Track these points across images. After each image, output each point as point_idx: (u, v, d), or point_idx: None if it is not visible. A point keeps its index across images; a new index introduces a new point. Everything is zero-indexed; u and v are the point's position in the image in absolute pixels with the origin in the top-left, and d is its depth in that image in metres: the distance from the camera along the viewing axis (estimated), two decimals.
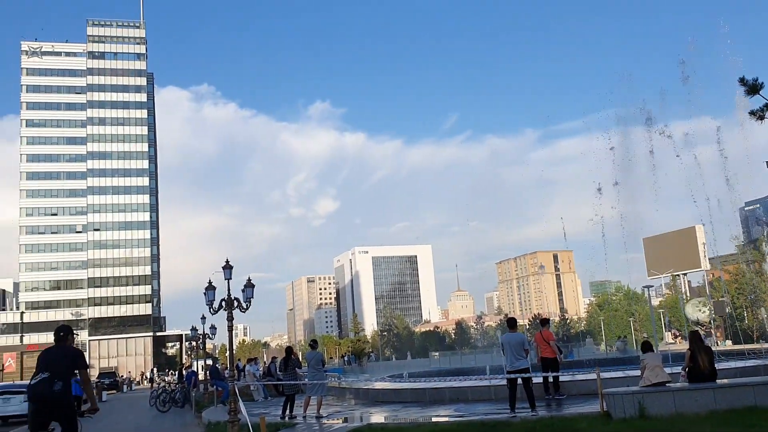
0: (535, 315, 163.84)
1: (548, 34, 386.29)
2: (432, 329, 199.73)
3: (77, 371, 9.08)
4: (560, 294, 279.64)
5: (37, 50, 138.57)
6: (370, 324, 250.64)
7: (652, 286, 72.34)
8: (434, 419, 15.50)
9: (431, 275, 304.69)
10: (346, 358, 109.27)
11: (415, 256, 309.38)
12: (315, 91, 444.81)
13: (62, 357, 8.84)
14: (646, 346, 14.26)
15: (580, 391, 17.86)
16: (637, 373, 14.21)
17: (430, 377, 27.30)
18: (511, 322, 15.93)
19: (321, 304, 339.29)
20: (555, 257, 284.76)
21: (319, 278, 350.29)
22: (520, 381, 14.82)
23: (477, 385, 19.85)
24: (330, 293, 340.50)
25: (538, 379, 16.83)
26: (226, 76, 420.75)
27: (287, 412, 18.95)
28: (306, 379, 19.03)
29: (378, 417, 17.41)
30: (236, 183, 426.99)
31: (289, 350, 20.83)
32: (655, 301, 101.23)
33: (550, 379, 17.62)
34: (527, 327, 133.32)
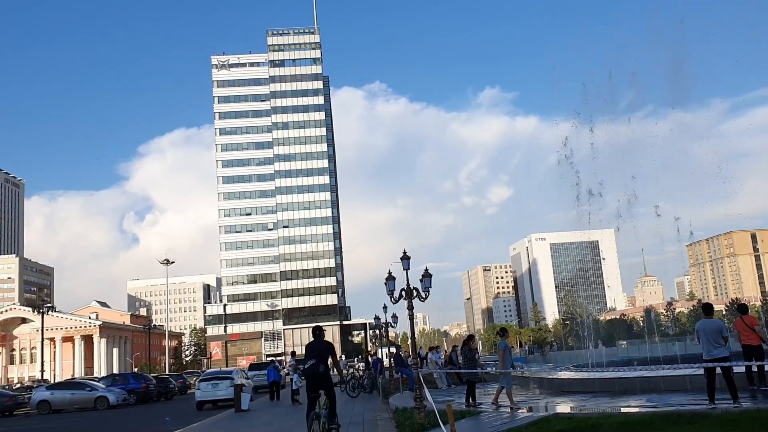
0: (731, 300, 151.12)
1: None
2: (618, 317, 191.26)
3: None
4: (761, 276, 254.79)
5: (225, 63, 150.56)
6: (551, 313, 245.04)
7: None
8: (624, 410, 14.91)
9: (615, 261, 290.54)
10: (527, 348, 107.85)
11: (597, 242, 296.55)
12: (483, 78, 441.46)
13: (323, 348, 13.05)
14: None
15: None
16: None
17: (618, 367, 26.21)
18: (707, 308, 14.86)
19: (498, 292, 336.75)
20: (753, 236, 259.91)
21: (495, 267, 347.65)
22: (719, 370, 13.81)
23: (670, 375, 18.76)
24: (507, 282, 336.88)
25: (739, 369, 15.56)
26: (396, 72, 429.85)
27: (470, 400, 19.08)
28: (482, 368, 18.98)
29: (564, 407, 17.06)
30: (409, 175, 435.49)
31: (469, 339, 20.88)
32: None
33: (754, 369, 16.21)
34: (723, 313, 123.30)
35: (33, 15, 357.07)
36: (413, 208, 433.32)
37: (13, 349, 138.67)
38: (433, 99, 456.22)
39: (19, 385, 70.96)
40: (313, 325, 15.52)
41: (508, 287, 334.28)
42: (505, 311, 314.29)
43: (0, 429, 29.32)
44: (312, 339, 13.38)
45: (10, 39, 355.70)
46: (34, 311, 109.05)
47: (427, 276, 19.57)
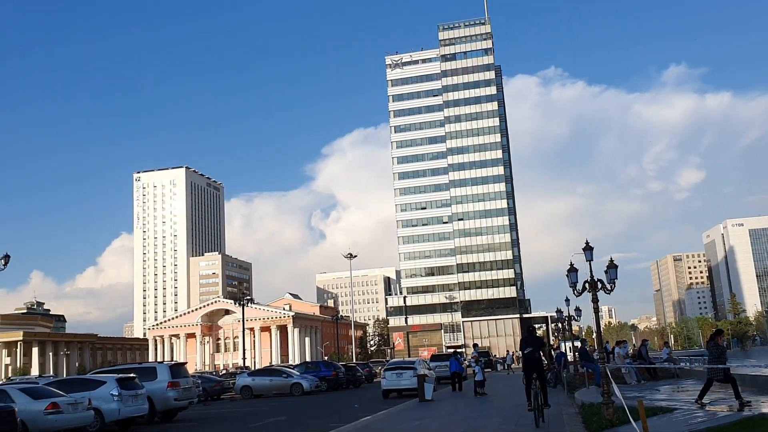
0: None
1: None
2: None
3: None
4: None
5: (398, 62, 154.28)
6: (751, 304, 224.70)
7: None
8: None
9: None
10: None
11: None
12: (667, 55, 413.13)
13: (535, 341, 17.14)
14: None
15: None
16: None
17: None
18: None
19: (691, 283, 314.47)
20: None
21: (687, 256, 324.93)
22: None
23: None
24: (701, 272, 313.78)
25: None
26: (572, 55, 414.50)
27: (701, 398, 17.67)
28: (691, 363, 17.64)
29: None
30: (589, 161, 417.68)
31: (717, 333, 18.91)
32: None
33: None
34: None
35: (229, 34, 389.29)
36: (594, 196, 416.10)
37: (219, 339, 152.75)
38: (612, 80, 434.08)
39: (224, 372, 77.91)
40: (526, 317, 19.64)
41: (701, 277, 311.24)
42: (699, 303, 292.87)
43: (213, 411, 32.39)
44: (526, 335, 17.48)
45: (208, 59, 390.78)
46: (235, 303, 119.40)
47: (612, 267, 18.89)
